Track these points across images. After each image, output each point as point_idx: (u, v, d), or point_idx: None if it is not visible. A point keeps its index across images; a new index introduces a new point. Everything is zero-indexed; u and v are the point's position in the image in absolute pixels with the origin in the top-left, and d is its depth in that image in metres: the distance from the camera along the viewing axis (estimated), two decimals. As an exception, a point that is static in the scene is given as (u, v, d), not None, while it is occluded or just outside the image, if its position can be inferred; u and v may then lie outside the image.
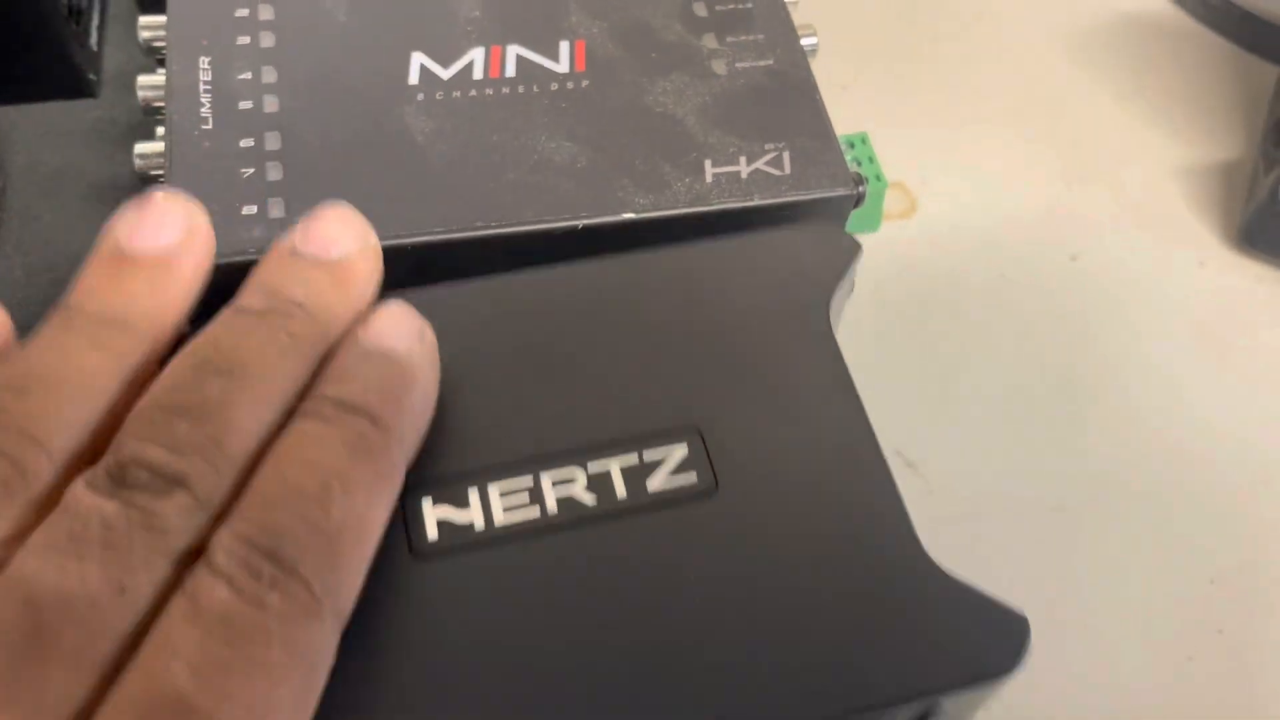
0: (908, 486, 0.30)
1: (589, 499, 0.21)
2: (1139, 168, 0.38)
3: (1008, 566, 0.29)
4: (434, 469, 0.21)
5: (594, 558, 0.21)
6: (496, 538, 0.21)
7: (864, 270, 0.34)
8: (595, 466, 0.22)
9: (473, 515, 0.21)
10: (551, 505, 0.21)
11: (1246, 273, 0.36)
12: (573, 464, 0.22)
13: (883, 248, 0.35)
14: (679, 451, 0.22)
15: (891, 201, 0.36)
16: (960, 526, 0.30)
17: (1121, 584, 0.29)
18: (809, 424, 0.23)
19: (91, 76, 0.34)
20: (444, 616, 0.20)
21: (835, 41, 0.40)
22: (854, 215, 0.30)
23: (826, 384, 0.23)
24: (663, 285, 0.24)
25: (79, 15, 0.33)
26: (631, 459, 0.22)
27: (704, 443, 0.22)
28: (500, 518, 0.21)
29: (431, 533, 0.21)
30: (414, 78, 0.26)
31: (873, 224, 0.34)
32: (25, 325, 0.20)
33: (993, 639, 0.20)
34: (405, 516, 0.21)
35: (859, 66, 0.40)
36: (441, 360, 0.21)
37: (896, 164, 0.36)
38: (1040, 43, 0.42)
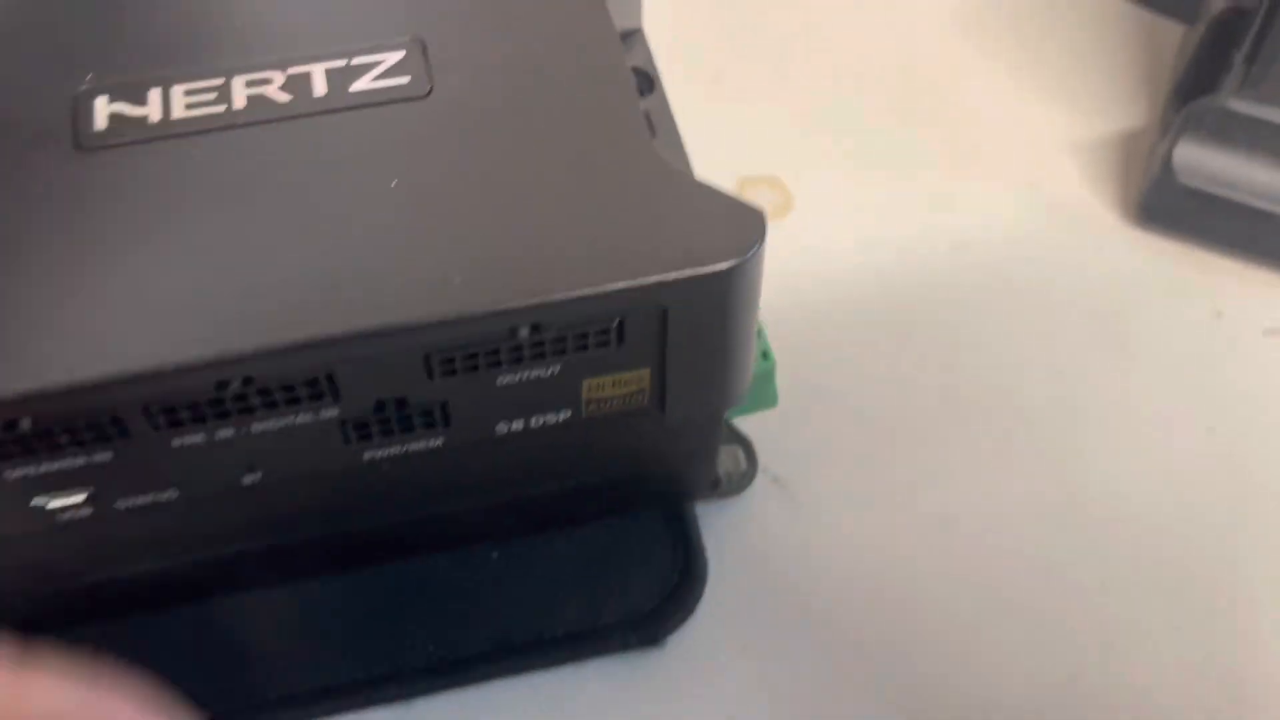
0: (774, 503, 0.29)
1: (283, 98, 0.21)
2: (1033, 144, 0.36)
3: (884, 584, 0.28)
4: (114, 76, 0.21)
5: (283, 152, 0.20)
6: (173, 133, 0.20)
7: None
8: (296, 69, 0.21)
9: (149, 110, 0.21)
10: (240, 103, 0.21)
11: (1148, 249, 0.34)
12: (271, 68, 0.21)
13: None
14: (394, 57, 0.22)
15: (766, 198, 0.34)
16: (828, 544, 0.28)
17: (1004, 589, 0.27)
18: (548, 40, 0.22)
19: None
20: (110, 208, 0.20)
21: (705, 21, 0.38)
22: (751, 396, 0.26)
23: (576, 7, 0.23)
24: None
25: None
26: (339, 63, 0.22)
27: (425, 51, 0.22)
28: (179, 113, 0.21)
29: (100, 124, 0.20)
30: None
31: (771, 401, 0.29)
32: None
33: (726, 230, 0.20)
34: (75, 116, 0.21)
35: (730, 52, 0.38)
36: None
37: (769, 158, 0.34)
38: (927, 13, 0.39)
